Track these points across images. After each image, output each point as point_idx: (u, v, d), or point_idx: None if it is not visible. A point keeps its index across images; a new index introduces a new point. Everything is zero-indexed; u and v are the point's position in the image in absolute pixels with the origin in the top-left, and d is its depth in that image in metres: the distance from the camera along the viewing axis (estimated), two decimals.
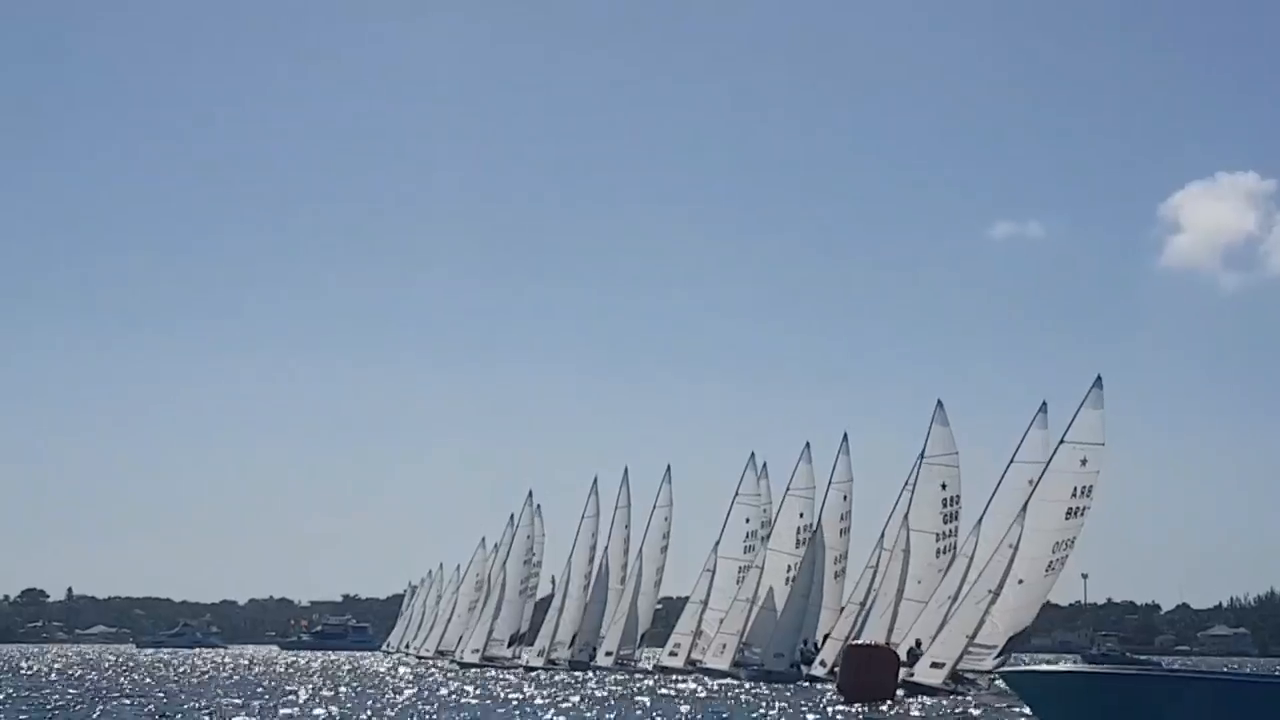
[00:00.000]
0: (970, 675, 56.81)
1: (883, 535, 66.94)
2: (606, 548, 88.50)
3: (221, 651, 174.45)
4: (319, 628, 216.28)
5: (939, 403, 64.83)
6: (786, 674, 68.06)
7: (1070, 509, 54.64)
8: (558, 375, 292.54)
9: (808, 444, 76.70)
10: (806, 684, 63.02)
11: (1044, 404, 63.64)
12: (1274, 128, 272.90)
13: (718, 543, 79.50)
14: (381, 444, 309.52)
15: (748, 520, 79.98)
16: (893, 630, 60.23)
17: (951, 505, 63.94)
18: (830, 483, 74.07)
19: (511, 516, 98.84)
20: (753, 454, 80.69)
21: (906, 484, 65.17)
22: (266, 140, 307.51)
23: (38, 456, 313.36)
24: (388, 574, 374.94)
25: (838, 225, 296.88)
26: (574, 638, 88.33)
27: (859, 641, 59.88)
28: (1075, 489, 54.71)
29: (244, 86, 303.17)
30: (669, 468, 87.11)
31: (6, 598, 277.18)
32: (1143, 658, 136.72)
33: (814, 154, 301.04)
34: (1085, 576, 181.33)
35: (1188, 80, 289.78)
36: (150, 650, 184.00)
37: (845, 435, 74.60)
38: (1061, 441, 55.68)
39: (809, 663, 66.97)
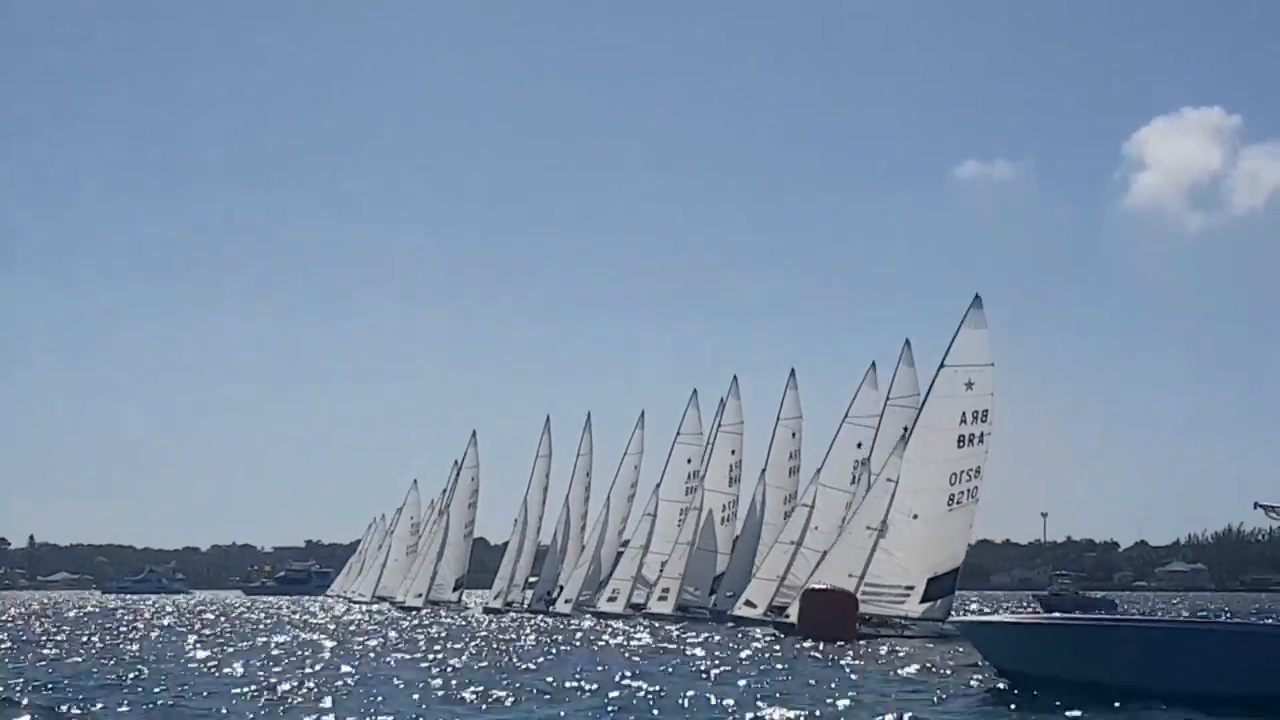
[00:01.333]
0: (894, 620, 52.73)
1: (818, 472, 65.68)
2: (568, 494, 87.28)
3: (186, 597, 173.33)
4: (282, 573, 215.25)
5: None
6: (723, 615, 66.98)
7: (962, 436, 51.57)
8: (517, 318, 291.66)
9: (734, 378, 76.08)
10: (731, 625, 61.19)
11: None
12: (1241, 62, 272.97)
13: (658, 485, 78.54)
14: (345, 388, 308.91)
15: (689, 461, 78.74)
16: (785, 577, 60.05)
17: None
18: (778, 419, 73.36)
19: (455, 461, 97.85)
20: (695, 391, 78.60)
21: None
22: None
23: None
24: (352, 519, 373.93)
25: (803, 161, 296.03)
26: (527, 582, 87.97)
27: (817, 585, 58.07)
28: (964, 414, 51.63)
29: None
30: (643, 413, 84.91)
31: None
32: (1097, 594, 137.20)
33: (780, 92, 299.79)
34: (1045, 515, 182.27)
35: (1156, 13, 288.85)
36: (114, 595, 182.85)
37: (793, 371, 73.24)
38: (941, 366, 52.63)
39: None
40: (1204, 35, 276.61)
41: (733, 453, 75.20)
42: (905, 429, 53.85)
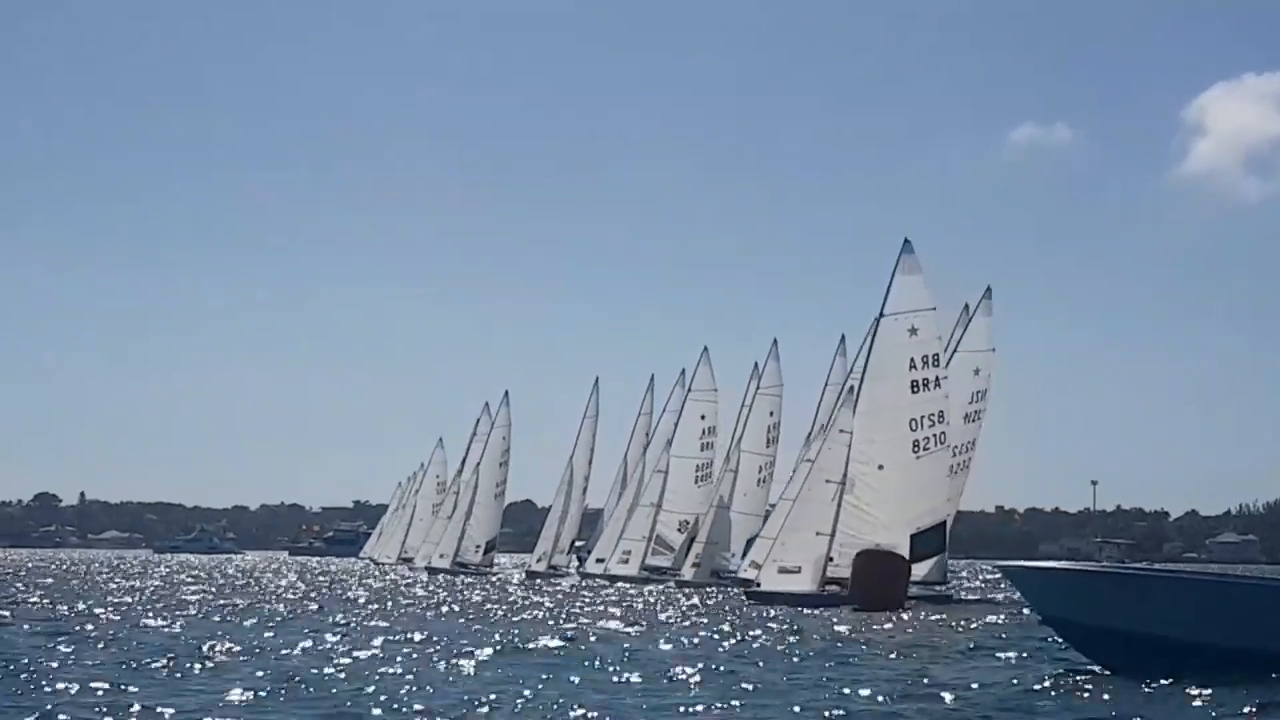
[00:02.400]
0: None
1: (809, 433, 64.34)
2: (625, 453, 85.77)
3: (236, 557, 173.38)
4: (330, 533, 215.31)
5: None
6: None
7: (915, 382, 49.49)
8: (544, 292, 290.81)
9: (775, 341, 73.75)
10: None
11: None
12: None
13: (669, 441, 77.15)
14: (393, 353, 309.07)
15: (703, 417, 77.45)
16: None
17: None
18: (757, 390, 72.52)
19: (477, 420, 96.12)
20: (705, 349, 77.18)
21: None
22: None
23: (49, 363, 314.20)
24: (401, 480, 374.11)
25: (857, 123, 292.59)
26: (573, 545, 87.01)
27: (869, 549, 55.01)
28: (913, 360, 49.61)
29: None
30: (652, 377, 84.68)
31: (19, 502, 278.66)
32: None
33: (830, 56, 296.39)
34: (1095, 483, 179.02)
35: None
36: (168, 555, 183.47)
37: (775, 341, 72.83)
38: (880, 316, 50.72)
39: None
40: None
41: (771, 414, 73.45)
42: (852, 388, 51.89)
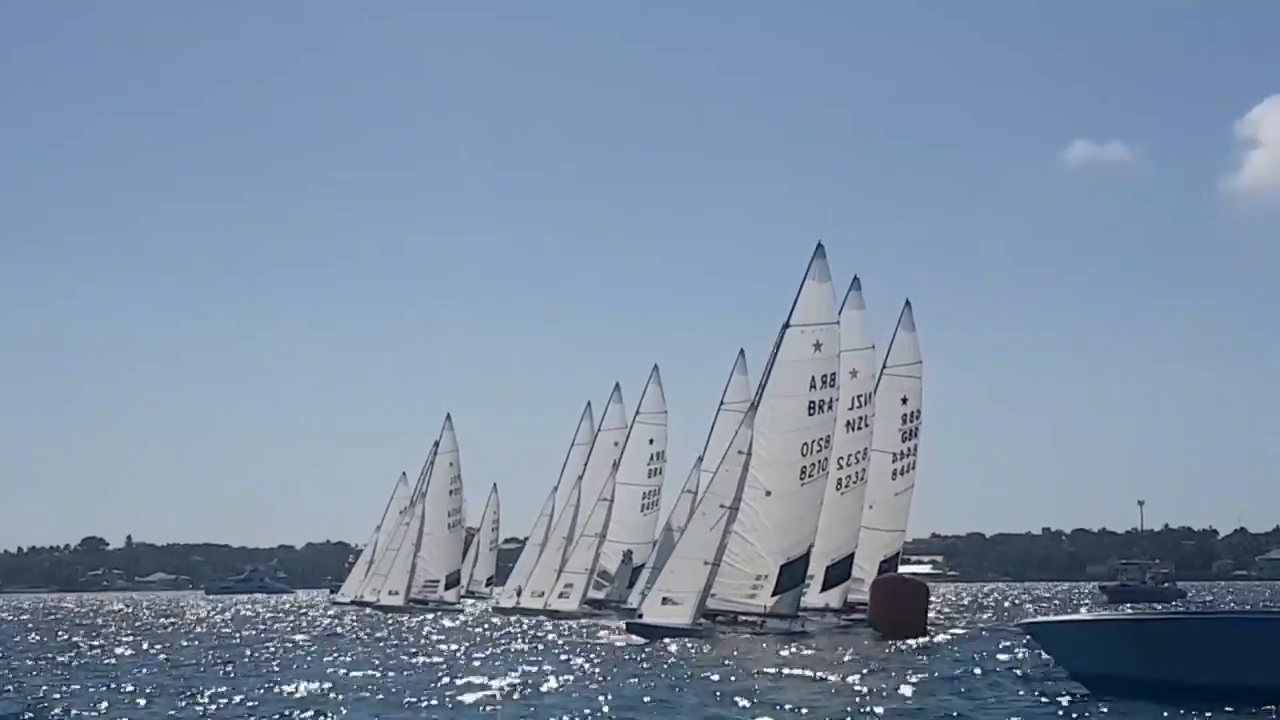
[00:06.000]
0: (746, 616, 47.05)
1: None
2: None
3: (288, 597, 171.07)
4: None
5: (907, 303, 59.07)
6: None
7: (813, 403, 46.43)
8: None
9: (655, 367, 73.19)
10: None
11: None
12: None
13: (615, 467, 73.96)
14: (434, 390, 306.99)
15: (651, 441, 74.25)
16: None
17: (911, 423, 58.68)
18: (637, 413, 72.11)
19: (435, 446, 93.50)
20: (655, 367, 73.97)
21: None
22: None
23: (95, 407, 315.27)
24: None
25: (910, 142, 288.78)
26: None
27: (889, 575, 54.34)
28: (814, 379, 46.48)
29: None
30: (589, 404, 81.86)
31: (67, 546, 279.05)
32: (1165, 585, 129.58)
33: (881, 74, 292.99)
34: (1141, 503, 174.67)
35: None
36: (217, 596, 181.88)
37: (655, 367, 72.59)
38: (786, 326, 47.26)
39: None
40: None
41: (651, 441, 72.35)
42: (752, 403, 48.42)
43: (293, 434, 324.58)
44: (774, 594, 46.28)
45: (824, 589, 53.38)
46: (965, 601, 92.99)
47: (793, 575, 46.55)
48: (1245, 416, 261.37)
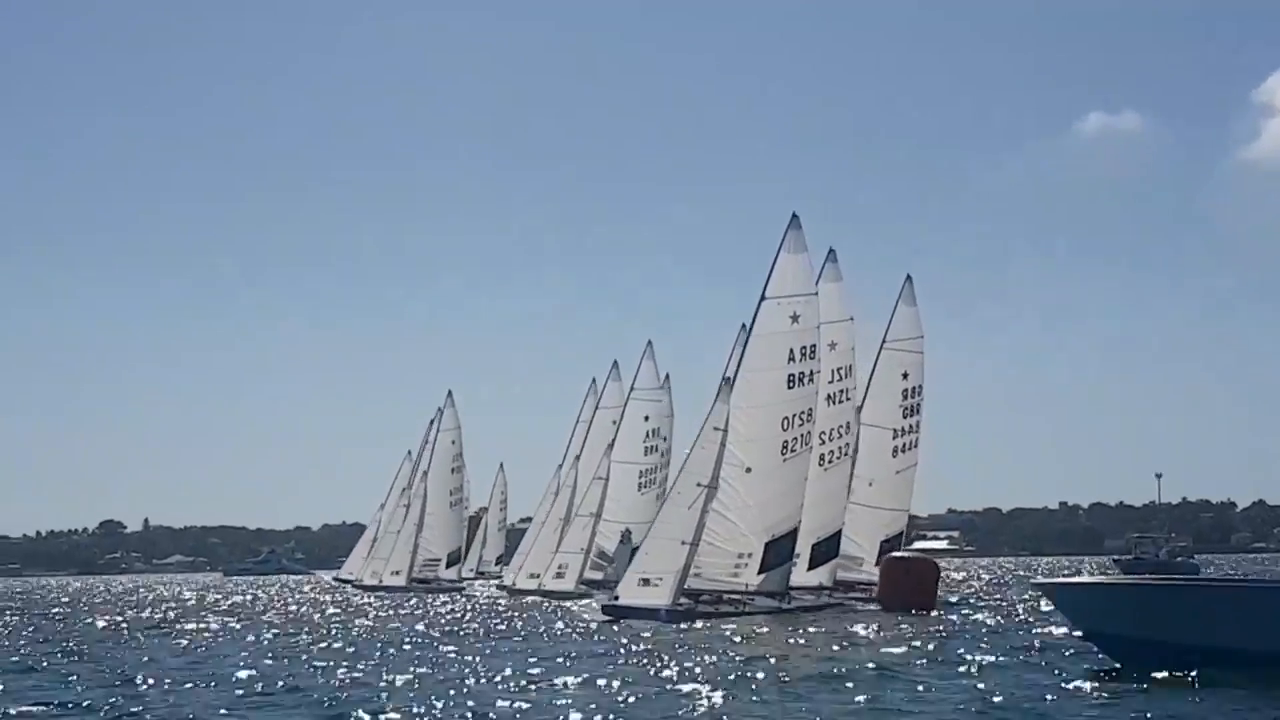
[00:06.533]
0: (730, 596, 45.65)
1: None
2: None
3: (307, 578, 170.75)
4: None
5: (908, 278, 57.14)
6: None
7: (792, 375, 45.18)
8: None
9: (650, 343, 71.69)
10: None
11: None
12: None
13: (612, 444, 72.97)
14: (444, 365, 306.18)
15: (646, 418, 73.24)
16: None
17: (912, 399, 57.58)
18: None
19: (431, 424, 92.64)
20: (649, 343, 72.11)
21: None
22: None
23: (111, 391, 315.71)
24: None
25: (924, 117, 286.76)
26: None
27: (899, 554, 54.28)
28: (792, 351, 45.22)
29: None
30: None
31: (85, 530, 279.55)
32: (1178, 559, 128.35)
33: (891, 49, 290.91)
34: (1159, 476, 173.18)
35: None
36: (237, 577, 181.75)
37: (650, 343, 71.26)
38: (762, 299, 46.27)
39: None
40: None
41: (646, 419, 70.76)
42: (726, 378, 47.39)
43: (304, 419, 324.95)
44: (759, 572, 45.35)
45: (810, 567, 52.36)
46: (984, 578, 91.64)
47: (779, 553, 45.59)
48: (1264, 388, 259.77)
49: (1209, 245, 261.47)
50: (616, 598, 45.89)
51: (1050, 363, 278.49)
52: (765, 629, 38.81)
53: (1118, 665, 25.22)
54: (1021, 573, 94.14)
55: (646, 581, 45.47)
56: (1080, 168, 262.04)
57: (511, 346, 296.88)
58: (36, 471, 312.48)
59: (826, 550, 52.67)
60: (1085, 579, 34.02)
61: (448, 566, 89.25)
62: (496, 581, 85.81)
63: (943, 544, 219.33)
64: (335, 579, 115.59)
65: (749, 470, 45.21)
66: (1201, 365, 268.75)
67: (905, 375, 56.93)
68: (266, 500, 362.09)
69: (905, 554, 53.68)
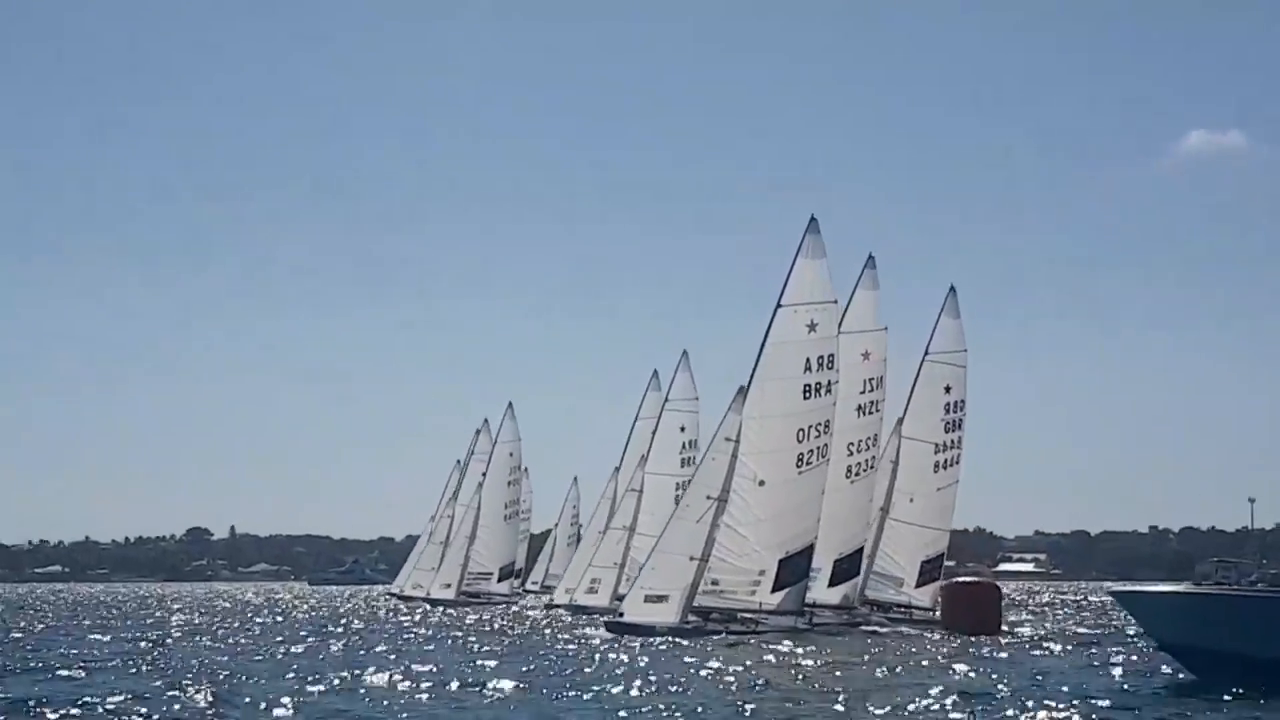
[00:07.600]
0: (743, 615, 44.27)
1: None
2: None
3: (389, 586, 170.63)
4: None
5: (951, 289, 55.20)
6: None
7: (808, 386, 43.75)
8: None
9: (685, 353, 70.49)
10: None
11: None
12: None
13: (646, 455, 71.11)
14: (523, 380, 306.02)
15: (682, 429, 71.36)
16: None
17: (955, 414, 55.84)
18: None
19: (476, 435, 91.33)
20: (684, 353, 70.66)
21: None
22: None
23: (202, 398, 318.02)
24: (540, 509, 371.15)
25: (1013, 135, 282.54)
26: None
27: (963, 579, 54.90)
28: (809, 361, 43.81)
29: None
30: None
31: (173, 537, 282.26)
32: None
33: (989, 67, 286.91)
34: (1252, 501, 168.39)
35: None
36: (319, 586, 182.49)
37: (684, 353, 70.21)
38: (778, 306, 45.05)
39: None
40: None
41: (682, 429, 68.75)
42: (741, 387, 45.45)
43: (390, 429, 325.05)
44: (773, 590, 43.49)
45: (831, 584, 50.23)
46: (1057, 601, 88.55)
47: (794, 570, 44.08)
48: None
49: None
50: (621, 614, 44.25)
51: (1145, 383, 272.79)
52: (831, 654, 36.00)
53: (1194, 678, 24.63)
54: (1106, 598, 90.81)
55: (651, 598, 43.78)
56: (1181, 186, 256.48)
57: (567, 357, 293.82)
58: (127, 477, 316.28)
59: (849, 567, 50.72)
60: (1164, 587, 32.71)
61: (500, 580, 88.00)
62: (548, 597, 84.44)
63: (1028, 567, 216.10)
64: (387, 592, 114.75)
65: (762, 483, 43.67)
66: None
67: (948, 389, 54.94)
68: (351, 510, 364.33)
69: (968, 579, 53.42)
